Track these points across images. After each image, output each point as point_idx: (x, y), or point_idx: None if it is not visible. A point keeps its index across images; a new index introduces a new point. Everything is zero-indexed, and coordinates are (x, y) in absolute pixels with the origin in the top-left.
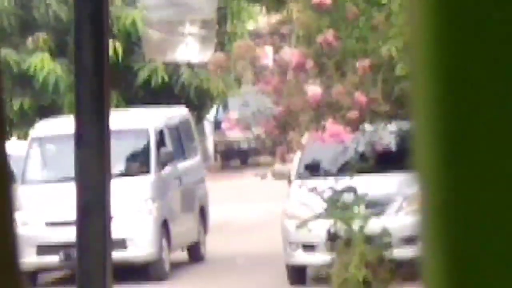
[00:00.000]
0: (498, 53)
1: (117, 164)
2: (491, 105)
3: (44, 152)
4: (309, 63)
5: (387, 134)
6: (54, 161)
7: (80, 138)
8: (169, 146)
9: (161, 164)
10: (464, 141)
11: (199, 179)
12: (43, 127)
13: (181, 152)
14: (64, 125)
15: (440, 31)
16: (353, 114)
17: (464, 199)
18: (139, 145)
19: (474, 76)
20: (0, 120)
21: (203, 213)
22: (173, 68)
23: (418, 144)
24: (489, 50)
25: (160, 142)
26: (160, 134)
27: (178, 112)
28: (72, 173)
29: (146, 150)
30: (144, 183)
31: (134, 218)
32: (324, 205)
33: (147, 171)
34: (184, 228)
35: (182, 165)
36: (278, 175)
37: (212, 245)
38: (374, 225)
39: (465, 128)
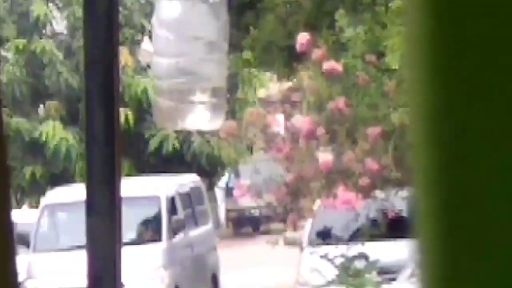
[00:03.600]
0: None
1: (129, 232)
2: (491, 174)
3: (55, 220)
4: (320, 130)
5: (398, 201)
6: (65, 229)
7: (91, 206)
8: (180, 214)
9: (173, 232)
10: (462, 211)
11: (210, 247)
12: (54, 195)
13: (192, 219)
14: (75, 192)
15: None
16: (365, 181)
17: (464, 273)
18: (151, 212)
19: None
20: (6, 187)
21: (215, 281)
22: (184, 136)
23: (419, 213)
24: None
25: (172, 210)
26: (172, 201)
27: (190, 180)
28: (84, 241)
29: (157, 218)
30: (155, 251)
31: (146, 286)
32: (336, 271)
33: (159, 239)
34: None
35: (194, 232)
36: (289, 242)
37: None
38: None
39: (463, 196)
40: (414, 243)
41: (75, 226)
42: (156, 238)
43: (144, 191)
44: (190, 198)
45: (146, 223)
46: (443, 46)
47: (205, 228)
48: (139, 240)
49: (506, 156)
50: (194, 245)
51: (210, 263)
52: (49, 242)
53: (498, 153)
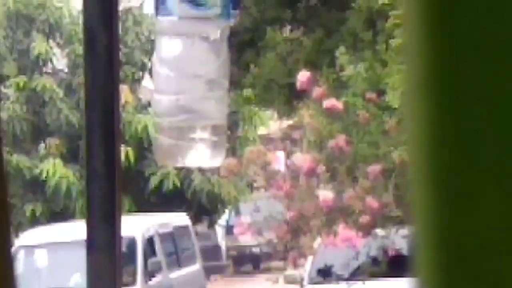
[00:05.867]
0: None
1: None
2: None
3: (31, 262)
4: (321, 168)
5: (399, 239)
6: (42, 271)
7: (91, 243)
8: (159, 255)
9: (149, 275)
10: (462, 248)
11: None
12: (31, 236)
13: (175, 260)
14: (54, 232)
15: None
16: (365, 219)
17: None
18: (125, 254)
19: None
20: (6, 225)
21: None
22: (185, 174)
23: (418, 251)
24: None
25: (149, 251)
26: (150, 242)
27: (175, 218)
28: (63, 283)
29: (132, 260)
30: None
31: None
32: None
33: (133, 283)
34: None
35: (176, 274)
36: (290, 280)
37: None
38: None
39: (463, 233)
40: (414, 281)
41: (54, 268)
42: (130, 281)
43: None
44: (173, 238)
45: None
46: (442, 84)
47: (190, 269)
48: None
49: (505, 195)
50: (176, 287)
51: None
52: (24, 285)
53: (497, 190)
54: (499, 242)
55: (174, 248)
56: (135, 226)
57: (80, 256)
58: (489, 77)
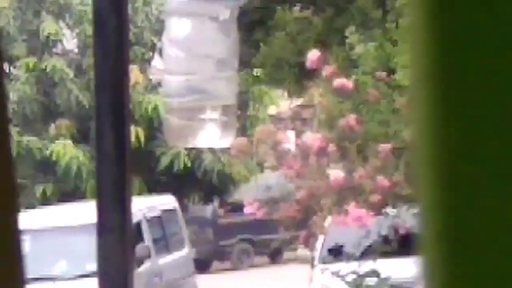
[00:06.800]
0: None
1: (90, 263)
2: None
3: None
4: (331, 147)
5: (410, 217)
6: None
7: (102, 225)
8: (147, 240)
9: (137, 262)
10: (467, 228)
11: (185, 273)
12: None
13: (164, 245)
14: (38, 219)
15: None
16: (376, 197)
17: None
18: None
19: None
20: (14, 207)
21: None
22: (195, 154)
23: (424, 230)
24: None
25: (137, 237)
26: (137, 227)
27: (162, 201)
28: (46, 271)
29: None
30: None
31: None
32: None
33: None
34: None
35: (164, 259)
36: (301, 260)
37: None
38: None
39: (468, 213)
40: (420, 261)
41: (36, 255)
42: None
43: None
44: (161, 222)
45: None
46: (445, 71)
47: (179, 254)
48: None
49: (508, 176)
50: (164, 274)
51: None
52: None
53: (501, 172)
54: (503, 219)
55: (162, 232)
56: None
57: (66, 243)
58: (489, 64)
